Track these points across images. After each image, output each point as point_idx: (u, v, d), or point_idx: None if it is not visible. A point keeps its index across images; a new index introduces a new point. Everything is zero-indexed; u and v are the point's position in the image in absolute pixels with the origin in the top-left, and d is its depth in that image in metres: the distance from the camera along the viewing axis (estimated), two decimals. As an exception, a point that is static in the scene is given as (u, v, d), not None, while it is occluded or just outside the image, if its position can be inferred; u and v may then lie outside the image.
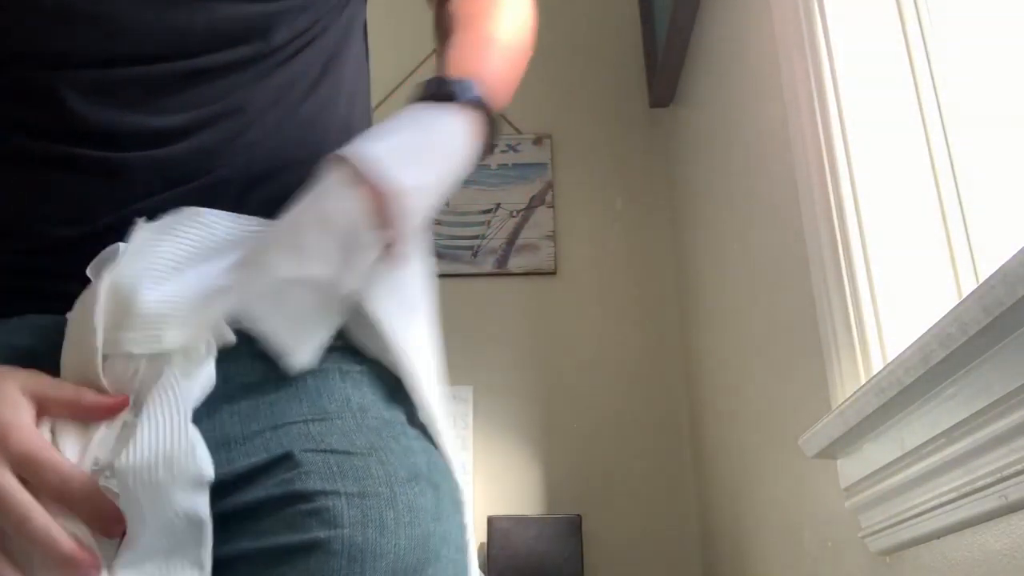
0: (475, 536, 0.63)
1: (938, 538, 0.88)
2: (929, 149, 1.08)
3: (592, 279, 2.35)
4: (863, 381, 1.02)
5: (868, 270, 1.06)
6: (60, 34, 0.59)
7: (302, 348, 0.55)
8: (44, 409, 0.51)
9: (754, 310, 1.60)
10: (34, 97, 0.59)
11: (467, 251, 2.36)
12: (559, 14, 2.49)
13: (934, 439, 0.84)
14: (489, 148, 0.66)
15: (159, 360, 0.52)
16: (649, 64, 2.45)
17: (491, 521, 2.00)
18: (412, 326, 0.61)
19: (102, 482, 0.49)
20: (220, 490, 0.51)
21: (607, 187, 2.43)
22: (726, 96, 1.77)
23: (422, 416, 0.60)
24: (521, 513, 2.08)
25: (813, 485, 1.26)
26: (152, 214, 0.57)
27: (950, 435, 0.82)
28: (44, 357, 0.53)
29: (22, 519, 0.47)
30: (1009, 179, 1.01)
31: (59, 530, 0.47)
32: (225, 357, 0.54)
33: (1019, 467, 0.72)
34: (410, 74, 2.42)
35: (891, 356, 0.99)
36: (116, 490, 0.49)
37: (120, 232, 0.55)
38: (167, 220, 0.56)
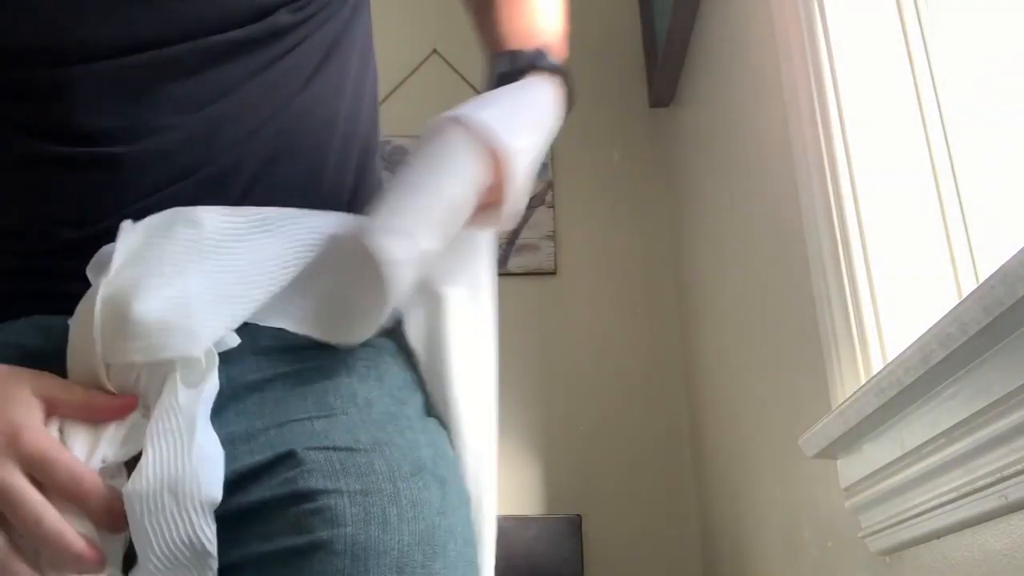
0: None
1: (938, 538, 0.88)
2: (929, 149, 1.08)
3: (592, 279, 2.35)
4: (863, 381, 1.02)
5: (868, 270, 1.06)
6: (77, 23, 0.58)
7: (358, 328, 0.56)
8: (53, 410, 0.51)
9: (754, 310, 1.60)
10: (37, 96, 0.58)
11: (467, 251, 2.36)
12: (559, 14, 2.49)
13: (934, 439, 0.84)
14: (569, 108, 0.69)
15: (162, 367, 0.52)
16: (649, 64, 2.45)
17: (491, 521, 2.00)
18: (474, 304, 0.62)
19: (108, 480, 0.49)
20: (227, 488, 0.51)
21: (607, 187, 2.43)
22: (726, 96, 1.77)
23: (438, 407, 0.60)
24: (521, 513, 2.08)
25: (813, 485, 1.26)
26: (157, 209, 0.56)
27: (950, 435, 0.82)
28: (53, 358, 0.53)
29: (36, 520, 0.47)
30: (1009, 179, 1.01)
31: (71, 530, 0.48)
32: (228, 357, 0.54)
33: (1019, 467, 0.72)
34: (411, 73, 2.42)
35: (891, 356, 0.99)
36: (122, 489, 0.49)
37: None
38: (160, 222, 0.55)
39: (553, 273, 2.34)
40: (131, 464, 0.50)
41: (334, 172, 0.65)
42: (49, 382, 0.52)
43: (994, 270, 0.67)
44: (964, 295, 0.90)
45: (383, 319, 0.56)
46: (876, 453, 0.97)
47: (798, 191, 1.25)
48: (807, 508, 1.30)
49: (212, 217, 0.56)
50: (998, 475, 0.75)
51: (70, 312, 0.53)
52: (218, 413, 0.53)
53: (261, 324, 0.56)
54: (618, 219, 2.40)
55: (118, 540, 0.50)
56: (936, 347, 0.77)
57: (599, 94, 2.52)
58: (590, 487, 2.14)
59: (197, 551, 0.48)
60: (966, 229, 1.03)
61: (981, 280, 0.79)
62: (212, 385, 0.52)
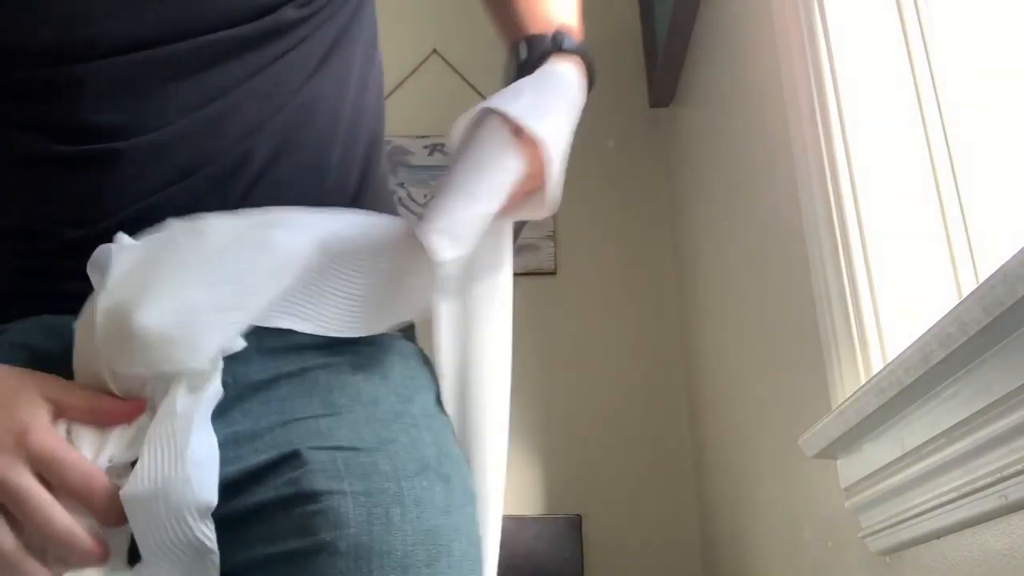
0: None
1: (938, 538, 0.88)
2: (929, 149, 1.08)
3: (592, 279, 2.35)
4: (863, 381, 1.02)
5: (868, 270, 1.06)
6: (82, 22, 0.57)
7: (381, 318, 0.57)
8: (61, 412, 0.51)
9: (754, 310, 1.60)
10: (38, 95, 0.58)
11: (467, 251, 2.36)
12: (559, 14, 2.49)
13: (934, 439, 0.84)
14: (590, 88, 0.70)
15: (165, 376, 0.52)
16: (649, 64, 2.45)
17: (491, 521, 2.00)
18: (492, 300, 0.63)
19: (114, 479, 0.50)
20: (232, 488, 0.51)
21: (607, 187, 2.43)
22: (726, 96, 1.77)
23: (451, 403, 0.61)
24: (521, 513, 2.08)
25: (813, 485, 1.26)
26: (158, 208, 0.56)
27: (950, 435, 0.82)
28: (62, 360, 0.53)
29: (46, 520, 0.48)
30: (1009, 179, 1.01)
31: (80, 530, 0.49)
32: (234, 356, 0.54)
33: (1019, 467, 0.72)
34: (411, 73, 2.42)
35: (891, 356, 0.99)
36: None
37: (127, 229, 0.55)
38: (161, 231, 0.55)
39: (553, 273, 2.34)
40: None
41: (339, 165, 0.65)
42: (56, 385, 0.52)
43: (994, 270, 0.67)
44: (964, 295, 0.90)
45: (415, 313, 0.58)
46: (876, 453, 0.97)
47: (798, 191, 1.25)
48: (807, 508, 1.30)
49: (213, 225, 0.55)
50: (998, 475, 0.75)
51: (74, 312, 0.53)
52: (224, 413, 0.54)
53: (267, 325, 0.56)
54: (618, 219, 2.40)
55: (122, 533, 0.50)
56: (936, 347, 0.77)
57: (599, 94, 2.52)
58: (590, 487, 2.14)
59: (197, 549, 0.48)
60: (966, 229, 1.03)
61: (981, 280, 0.79)
62: (214, 388, 0.52)
